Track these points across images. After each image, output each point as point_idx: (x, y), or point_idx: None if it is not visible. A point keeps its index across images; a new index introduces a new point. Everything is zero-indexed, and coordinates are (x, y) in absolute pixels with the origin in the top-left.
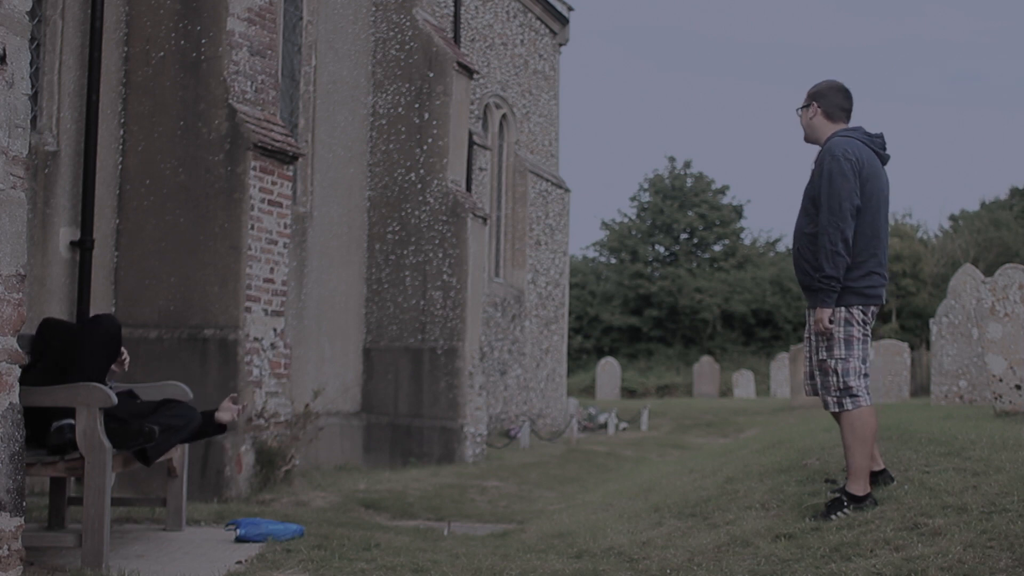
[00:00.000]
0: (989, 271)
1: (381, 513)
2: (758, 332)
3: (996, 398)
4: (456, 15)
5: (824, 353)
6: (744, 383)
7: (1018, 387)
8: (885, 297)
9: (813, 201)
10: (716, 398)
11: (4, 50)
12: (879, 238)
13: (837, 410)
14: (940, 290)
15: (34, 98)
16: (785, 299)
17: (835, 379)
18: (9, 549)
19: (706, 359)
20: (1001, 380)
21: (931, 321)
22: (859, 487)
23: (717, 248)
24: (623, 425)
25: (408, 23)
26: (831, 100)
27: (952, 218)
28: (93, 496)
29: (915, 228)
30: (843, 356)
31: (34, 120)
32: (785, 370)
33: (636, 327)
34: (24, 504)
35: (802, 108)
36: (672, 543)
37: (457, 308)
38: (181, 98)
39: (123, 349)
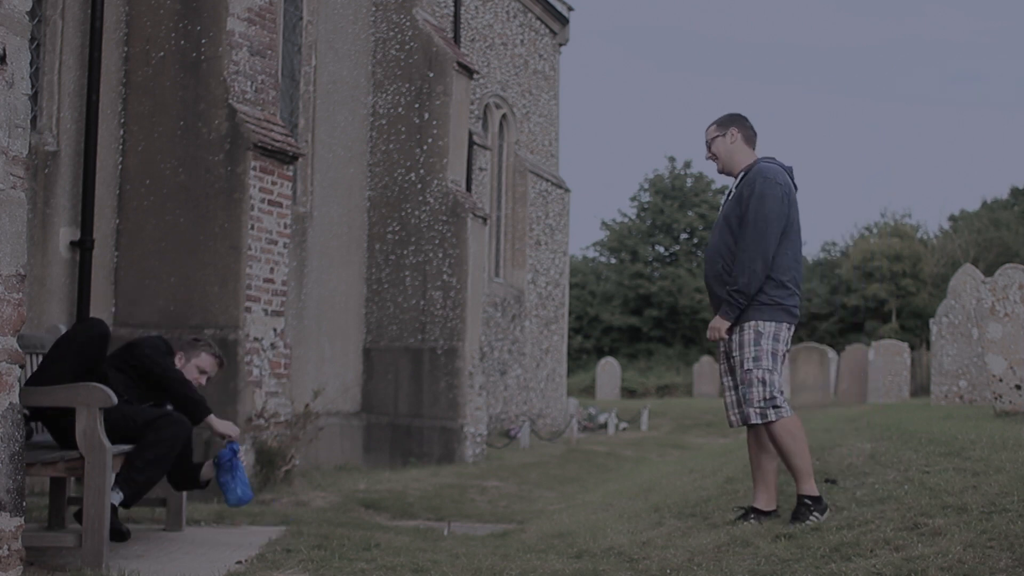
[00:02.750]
0: (989, 271)
1: (381, 513)
2: None
3: (996, 398)
4: (456, 15)
5: (751, 363)
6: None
7: (1018, 387)
8: (796, 316)
9: (739, 221)
10: (716, 398)
11: (4, 50)
12: (799, 261)
13: (760, 421)
14: (940, 290)
15: (34, 98)
16: None
17: (762, 389)
18: (9, 549)
19: (706, 359)
20: (1001, 380)
21: (931, 321)
22: (812, 487)
23: None
24: (623, 425)
25: (408, 23)
26: (745, 125)
27: (952, 218)
28: (93, 496)
29: (915, 228)
30: (770, 368)
31: (34, 120)
32: (785, 370)
33: (636, 327)
34: (24, 504)
35: (718, 137)
36: (672, 543)
37: (457, 308)
38: (181, 98)
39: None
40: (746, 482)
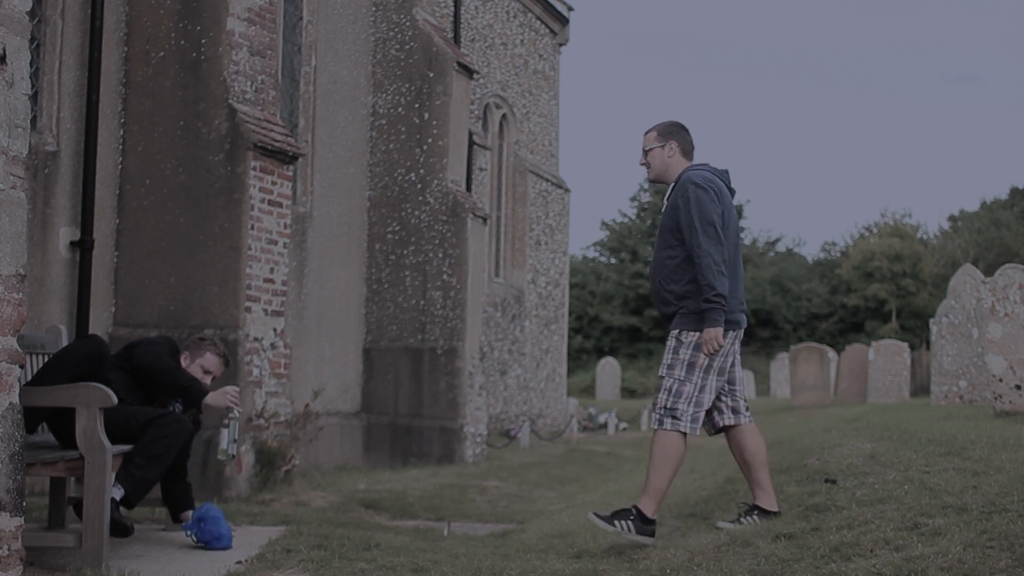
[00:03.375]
0: (989, 271)
1: (381, 513)
2: (758, 332)
3: (996, 398)
4: (456, 15)
5: (664, 370)
6: (744, 383)
7: (1018, 387)
8: (746, 321)
9: (674, 232)
10: None
11: (4, 50)
12: (737, 265)
13: (656, 427)
14: (940, 290)
15: (34, 98)
16: (785, 299)
17: (665, 396)
18: (9, 549)
19: None
20: (1001, 380)
21: (931, 321)
22: (651, 508)
23: None
24: (623, 425)
25: (408, 23)
26: (684, 138)
27: (952, 218)
28: (93, 496)
29: (915, 228)
30: (681, 378)
31: (34, 120)
32: (785, 370)
33: (636, 327)
34: (24, 504)
35: (656, 148)
36: (672, 543)
37: (457, 308)
38: (181, 98)
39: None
40: (746, 482)
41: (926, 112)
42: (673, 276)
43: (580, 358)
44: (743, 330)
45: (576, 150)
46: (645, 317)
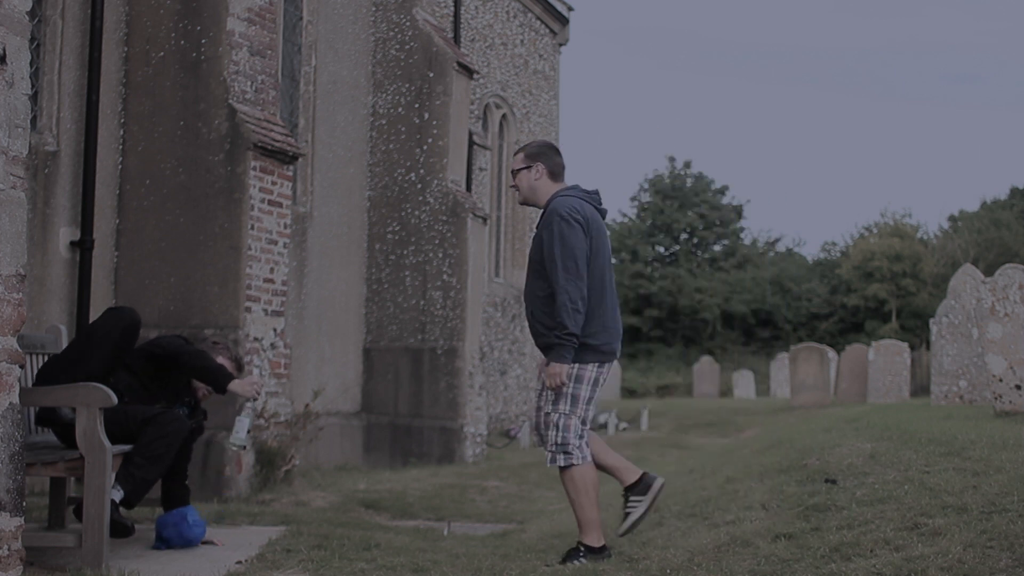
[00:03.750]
0: (989, 271)
1: (381, 513)
2: (758, 332)
3: (996, 398)
4: (456, 15)
5: (550, 407)
6: (744, 383)
7: (1018, 387)
8: (619, 351)
9: (543, 264)
10: (716, 398)
11: (4, 50)
12: (608, 291)
13: (550, 464)
14: (940, 290)
15: (34, 98)
16: (785, 299)
17: (555, 434)
18: (9, 549)
19: (706, 359)
20: (1001, 380)
21: (931, 321)
22: (593, 538)
23: (717, 248)
24: (623, 425)
25: (408, 23)
26: (552, 160)
27: (952, 218)
28: (93, 496)
29: (915, 228)
30: (567, 412)
31: (34, 120)
32: (785, 370)
33: (636, 327)
34: (24, 504)
35: (521, 170)
36: (672, 543)
37: (457, 308)
38: (181, 98)
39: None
40: (746, 482)
41: (926, 112)
42: (544, 308)
43: None
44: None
45: (576, 150)
46: (645, 317)
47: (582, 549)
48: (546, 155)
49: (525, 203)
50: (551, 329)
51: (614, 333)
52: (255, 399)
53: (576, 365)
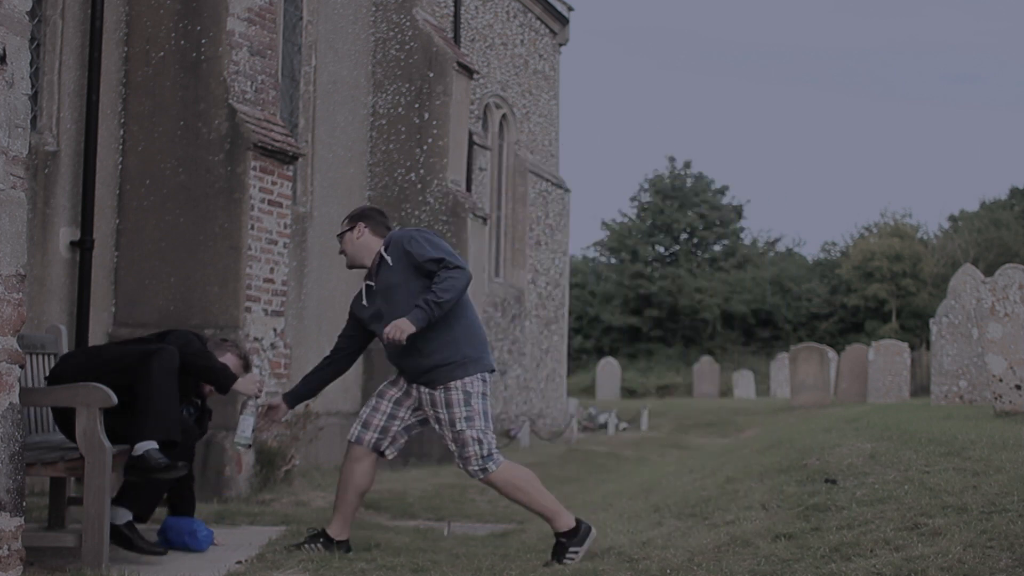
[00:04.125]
0: (989, 271)
1: (381, 513)
2: (758, 332)
3: (996, 398)
4: (456, 15)
5: (464, 424)
6: (744, 383)
7: (1018, 387)
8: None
9: (408, 289)
10: (716, 398)
11: (4, 50)
12: (474, 308)
13: (483, 477)
14: (940, 290)
15: (34, 98)
16: (785, 299)
17: (478, 448)
18: (9, 549)
19: (706, 359)
20: (1001, 380)
21: (931, 321)
22: (565, 521)
23: (717, 248)
24: (623, 425)
25: (408, 23)
26: (376, 220)
27: (952, 218)
28: (93, 496)
29: (915, 228)
30: (483, 427)
31: (34, 120)
32: (785, 370)
33: (636, 327)
34: (24, 504)
35: (346, 232)
36: (672, 543)
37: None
38: (181, 98)
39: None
40: (746, 482)
41: (926, 112)
42: (425, 335)
43: (580, 358)
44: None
45: (576, 150)
46: (645, 317)
47: (564, 539)
48: (367, 215)
49: (352, 266)
50: (442, 350)
51: (488, 347)
52: (258, 397)
53: (477, 380)
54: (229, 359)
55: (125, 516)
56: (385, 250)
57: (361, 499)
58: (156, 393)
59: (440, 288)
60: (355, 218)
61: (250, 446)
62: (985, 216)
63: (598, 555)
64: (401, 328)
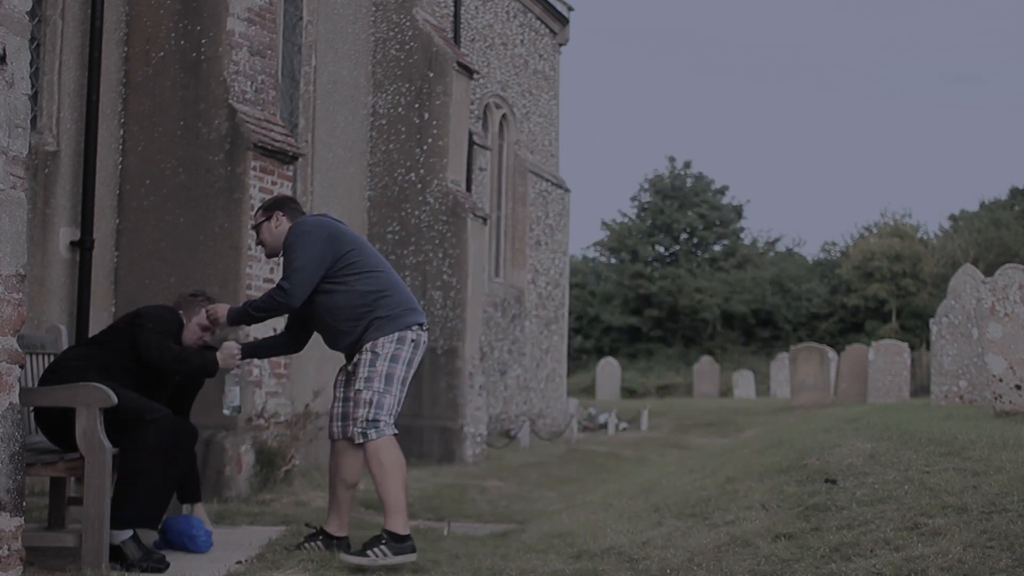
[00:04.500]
0: (989, 271)
1: (381, 513)
2: (758, 332)
3: (996, 398)
4: (456, 15)
5: (363, 384)
6: (744, 383)
7: (1018, 387)
8: (425, 338)
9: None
10: (716, 398)
11: (4, 50)
12: (392, 272)
13: (360, 440)
14: (940, 290)
15: (34, 98)
16: (785, 299)
17: (367, 410)
18: (9, 549)
19: (706, 359)
20: (1001, 380)
21: (931, 321)
22: (399, 524)
23: (717, 248)
24: (623, 425)
25: (408, 23)
26: (292, 208)
27: (952, 218)
28: (93, 496)
29: (915, 228)
30: (380, 390)
31: (34, 120)
32: (785, 370)
33: (636, 327)
34: (24, 504)
35: (263, 222)
36: (672, 543)
37: (457, 308)
38: (181, 98)
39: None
40: (746, 482)
41: (926, 112)
42: (342, 314)
43: (580, 358)
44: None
45: (576, 150)
46: (645, 317)
47: (386, 537)
48: (283, 204)
49: (272, 255)
50: (359, 320)
51: (414, 306)
52: (238, 368)
53: (393, 344)
54: (204, 315)
55: (124, 535)
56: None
57: (352, 492)
58: (142, 477)
59: (257, 305)
60: (271, 208)
61: (240, 410)
62: (985, 216)
63: (598, 555)
64: (218, 313)
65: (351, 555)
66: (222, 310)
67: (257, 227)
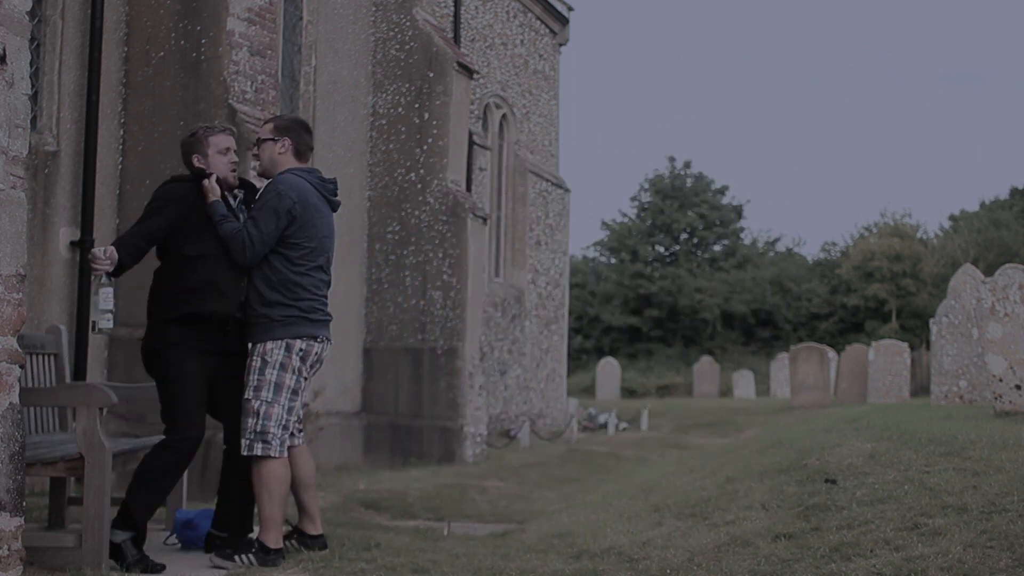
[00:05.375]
0: (989, 271)
1: (381, 513)
2: (758, 332)
3: (996, 398)
4: (456, 15)
5: (251, 393)
6: (744, 383)
7: (1018, 387)
8: (327, 342)
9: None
10: (716, 398)
11: (4, 50)
12: (322, 275)
13: (247, 453)
14: (940, 290)
15: (34, 98)
16: (785, 299)
17: (254, 421)
18: (9, 549)
19: (706, 359)
20: (1001, 380)
21: (931, 321)
22: (270, 538)
23: (717, 248)
24: (623, 425)
25: (408, 23)
26: (301, 138)
27: (952, 218)
28: (93, 496)
29: (915, 228)
30: (268, 399)
31: (34, 120)
32: (785, 370)
33: (636, 327)
34: (24, 504)
35: (267, 140)
36: (672, 543)
37: (457, 308)
38: (181, 98)
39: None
40: (746, 482)
41: (926, 112)
42: (263, 280)
43: (580, 358)
44: (324, 347)
45: (576, 150)
46: (645, 317)
47: (256, 546)
48: (295, 131)
49: (262, 175)
50: (268, 306)
51: (321, 319)
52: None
53: (281, 351)
54: (217, 141)
55: (124, 535)
56: (266, 185)
57: (311, 491)
58: (151, 485)
59: (224, 229)
60: (282, 131)
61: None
62: (985, 216)
63: (598, 555)
64: (211, 187)
65: (219, 556)
66: (213, 193)
67: (260, 141)
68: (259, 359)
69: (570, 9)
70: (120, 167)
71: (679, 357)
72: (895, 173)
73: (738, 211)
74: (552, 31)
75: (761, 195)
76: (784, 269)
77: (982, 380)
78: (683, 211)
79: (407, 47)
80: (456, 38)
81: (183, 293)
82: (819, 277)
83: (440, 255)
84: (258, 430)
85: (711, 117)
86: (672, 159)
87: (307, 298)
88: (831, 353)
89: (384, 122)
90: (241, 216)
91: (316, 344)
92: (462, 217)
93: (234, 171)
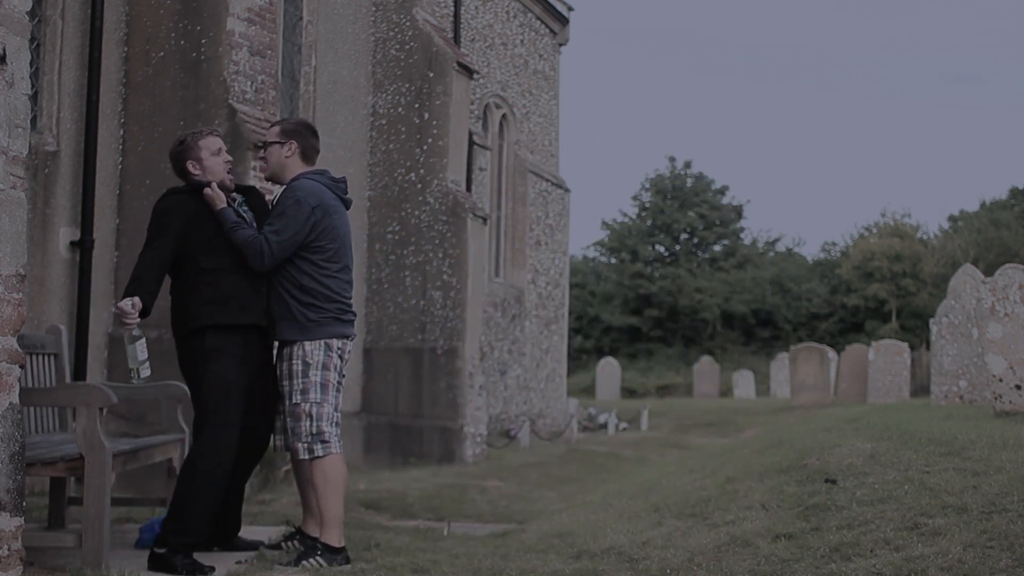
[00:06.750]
0: (989, 271)
1: (381, 513)
2: (758, 332)
3: (996, 398)
4: (456, 15)
5: (299, 397)
6: (744, 383)
7: (1018, 387)
8: (354, 335)
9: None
10: (716, 398)
11: (4, 50)
12: (347, 275)
13: (307, 456)
14: (940, 290)
15: (34, 98)
16: (785, 299)
17: (309, 424)
18: (9, 549)
19: (706, 359)
20: (1001, 380)
21: (931, 321)
22: (334, 537)
23: (717, 248)
24: (623, 425)
25: (408, 23)
26: (307, 140)
27: (952, 218)
28: (93, 496)
29: (915, 228)
30: (319, 400)
31: (34, 120)
32: (785, 370)
33: (636, 327)
34: (24, 504)
35: (273, 144)
36: (672, 543)
37: (457, 308)
38: (181, 98)
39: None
40: (746, 482)
41: (926, 112)
42: (294, 284)
43: (580, 358)
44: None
45: (576, 150)
46: (645, 317)
47: (320, 547)
48: (302, 135)
49: (270, 179)
50: (302, 306)
51: (350, 316)
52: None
53: (321, 351)
54: (208, 144)
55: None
56: (283, 192)
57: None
58: (193, 498)
59: (239, 237)
60: (289, 134)
61: (147, 371)
62: (985, 216)
63: (598, 555)
64: (211, 194)
65: (285, 564)
66: (220, 201)
67: (267, 145)
68: (300, 362)
69: (570, 9)
70: (120, 167)
71: (679, 357)
72: (895, 173)
73: (738, 211)
74: (552, 31)
75: (761, 195)
76: (784, 269)
77: (982, 380)
78: (683, 211)
79: (407, 47)
80: (456, 38)
81: (206, 305)
82: (819, 277)
83: (440, 255)
84: (314, 432)
85: (711, 117)
86: (672, 159)
87: (337, 300)
88: (831, 353)
89: (384, 122)
90: (246, 216)
91: (349, 343)
92: (462, 217)
93: (229, 171)
